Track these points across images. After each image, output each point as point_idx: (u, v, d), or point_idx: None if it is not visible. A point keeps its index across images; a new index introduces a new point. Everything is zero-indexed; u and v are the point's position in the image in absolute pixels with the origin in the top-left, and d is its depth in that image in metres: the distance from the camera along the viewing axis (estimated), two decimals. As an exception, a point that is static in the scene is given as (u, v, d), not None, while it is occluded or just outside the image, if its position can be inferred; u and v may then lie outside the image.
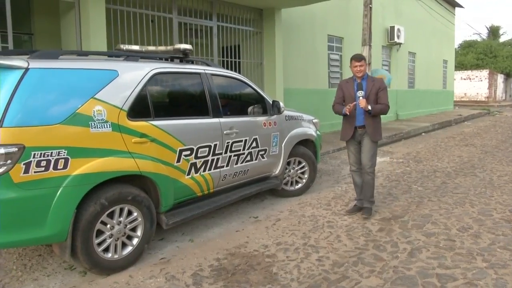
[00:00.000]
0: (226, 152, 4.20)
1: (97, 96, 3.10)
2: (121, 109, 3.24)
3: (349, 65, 4.52)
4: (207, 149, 3.96)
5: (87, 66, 3.17)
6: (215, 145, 4.05)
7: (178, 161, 3.69)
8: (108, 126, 3.13)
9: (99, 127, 3.07)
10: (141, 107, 3.42)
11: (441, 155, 8.76)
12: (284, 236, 4.18)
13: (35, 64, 2.88)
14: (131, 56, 3.56)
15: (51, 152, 2.82)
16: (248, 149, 4.50)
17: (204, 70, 4.11)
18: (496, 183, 6.10)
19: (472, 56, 34.14)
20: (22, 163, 2.71)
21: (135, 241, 3.45)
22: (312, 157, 5.57)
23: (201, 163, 3.93)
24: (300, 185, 5.61)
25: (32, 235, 2.83)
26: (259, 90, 4.80)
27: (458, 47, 36.07)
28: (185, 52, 3.95)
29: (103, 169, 3.07)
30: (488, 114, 21.34)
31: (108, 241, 3.25)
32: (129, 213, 3.37)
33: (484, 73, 29.92)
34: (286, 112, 5.08)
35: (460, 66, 32.63)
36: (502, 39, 39.71)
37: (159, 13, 6.77)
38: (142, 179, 3.47)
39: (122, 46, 4.21)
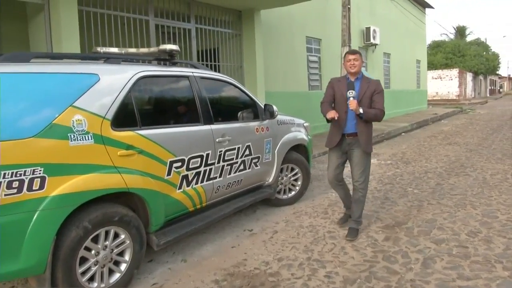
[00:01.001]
0: (219, 162, 3.84)
1: (76, 103, 2.69)
2: (104, 118, 2.83)
3: (343, 62, 4.05)
4: (199, 159, 3.60)
5: (63, 70, 2.76)
6: (207, 155, 3.69)
7: (169, 174, 3.31)
8: (90, 138, 2.73)
9: (80, 140, 2.67)
10: (126, 115, 3.03)
11: (428, 155, 8.66)
12: (284, 251, 3.85)
13: (2, 68, 2.46)
14: (112, 58, 3.15)
15: (25, 171, 2.40)
16: (241, 157, 4.16)
17: (192, 73, 3.75)
18: (491, 182, 5.99)
19: (441, 55, 34.96)
20: (-11, 185, 2.28)
21: (123, 266, 3.05)
22: (305, 163, 5.28)
23: (193, 175, 3.57)
24: (293, 193, 5.30)
25: (4, 269, 2.39)
26: (249, 94, 4.47)
27: (427, 47, 36.88)
28: (171, 54, 3.57)
29: (86, 188, 2.66)
30: (461, 112, 21.76)
31: (93, 269, 2.83)
32: (116, 235, 2.97)
33: (454, 72, 30.64)
34: (278, 117, 4.77)
35: (430, 66, 33.34)
36: (468, 38, 41.04)
37: (135, 15, 6.35)
38: (129, 196, 3.08)
39: (99, 49, 3.79)
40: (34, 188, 2.44)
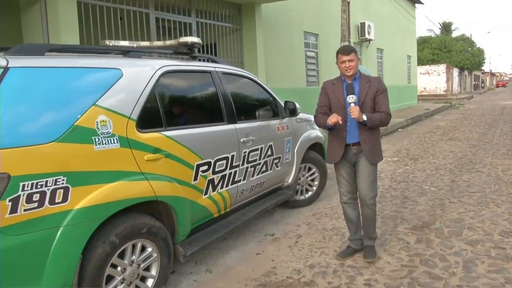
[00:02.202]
0: (243, 164, 3.57)
1: (100, 102, 2.38)
2: (129, 118, 2.53)
3: (335, 61, 3.24)
4: (224, 161, 3.31)
5: (83, 63, 2.44)
6: (232, 156, 3.41)
7: (196, 178, 3.02)
8: (116, 141, 2.42)
9: (105, 143, 2.36)
10: (151, 115, 2.73)
11: (432, 151, 8.53)
12: (314, 257, 3.61)
13: (16, 62, 2.13)
14: (132, 52, 2.83)
15: (46, 181, 2.08)
16: (263, 158, 3.89)
17: (214, 68, 3.45)
18: (506, 179, 5.86)
19: (428, 51, 35.21)
20: (8, 199, 1.95)
21: (150, 282, 2.75)
22: (322, 162, 5.04)
23: (218, 178, 3.28)
24: (310, 193, 5.06)
25: (24, 294, 2.08)
26: (270, 90, 4.20)
27: (415, 43, 37.17)
28: (192, 47, 3.27)
29: (113, 198, 2.35)
30: (451, 107, 21.87)
31: (120, 287, 2.53)
32: (142, 249, 2.67)
33: (442, 67, 30.88)
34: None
35: (418, 61, 33.57)
36: (454, 34, 41.46)
37: (135, 8, 5.99)
38: (154, 204, 2.78)
39: (107, 42, 3.47)
40: (57, 200, 2.12)
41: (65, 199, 2.15)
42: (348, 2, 10.18)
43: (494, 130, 11.28)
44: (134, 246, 2.60)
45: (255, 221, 4.53)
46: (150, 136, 2.66)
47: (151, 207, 2.81)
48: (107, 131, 2.37)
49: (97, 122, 2.34)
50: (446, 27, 42.18)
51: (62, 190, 2.14)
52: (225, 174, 3.35)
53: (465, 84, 42.16)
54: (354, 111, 3.07)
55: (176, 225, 2.88)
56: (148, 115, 2.68)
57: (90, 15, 5.30)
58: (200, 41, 3.25)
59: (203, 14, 7.43)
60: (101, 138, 2.34)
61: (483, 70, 58.62)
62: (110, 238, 2.38)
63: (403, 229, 4.14)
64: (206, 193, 3.17)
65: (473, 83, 49.85)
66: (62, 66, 2.31)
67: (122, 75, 2.56)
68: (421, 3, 21.48)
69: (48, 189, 2.09)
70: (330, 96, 3.30)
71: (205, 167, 3.10)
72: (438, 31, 41.15)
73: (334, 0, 12.42)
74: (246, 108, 3.93)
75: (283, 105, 4.29)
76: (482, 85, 62.53)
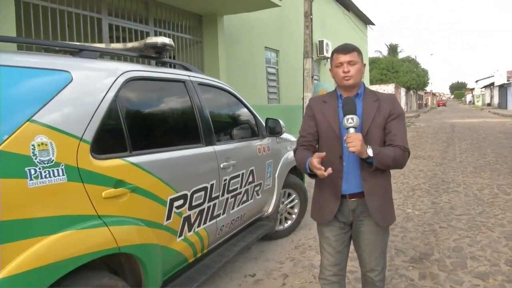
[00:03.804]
0: (223, 194, 2.91)
1: (38, 117, 1.66)
2: (80, 139, 1.82)
3: (329, 67, 2.23)
4: (202, 193, 2.65)
5: (15, 61, 1.72)
6: (212, 186, 2.75)
7: (169, 217, 2.33)
8: (61, 173, 1.70)
9: (45, 177, 1.63)
10: (112, 136, 2.03)
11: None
12: (308, 304, 3.00)
13: None
14: (86, 51, 2.12)
15: None
16: (245, 185, 3.26)
17: (189, 76, 2.80)
18: (485, 199, 5.66)
19: (376, 71, 36.41)
20: None
21: None
22: (303, 187, 4.49)
23: (195, 215, 2.61)
24: (290, 222, 4.47)
25: None
26: (249, 105, 3.61)
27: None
28: (161, 50, 2.62)
29: (57, 258, 1.62)
30: (403, 125, 22.34)
31: None
32: (98, 318, 1.93)
33: (391, 87, 31.90)
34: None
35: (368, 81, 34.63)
36: (400, 55, 43.36)
37: (85, 11, 5.22)
38: (116, 256, 2.05)
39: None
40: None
41: (-20, 264, 1.41)
42: (311, 18, 9.92)
43: (453, 148, 11.37)
44: (86, 319, 1.85)
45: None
46: (110, 164, 1.95)
47: (111, 259, 2.08)
48: (48, 158, 1.66)
49: (33, 145, 1.61)
50: (393, 49, 44.13)
51: (-25, 251, 1.40)
52: (203, 209, 2.68)
53: (411, 103, 44.01)
54: (354, 140, 1.90)
55: (144, 281, 2.16)
56: (108, 135, 1.98)
57: (31, 16, 4.48)
58: (173, 43, 2.60)
59: (161, 23, 6.77)
60: (39, 169, 1.62)
61: (426, 90, 61.83)
62: (52, 313, 1.63)
63: (401, 262, 3.65)
64: (180, 235, 2.48)
65: (418, 102, 52.26)
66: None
67: (72, 80, 1.85)
68: (373, 24, 22.05)
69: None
70: (318, 120, 2.19)
71: (180, 202, 2.42)
72: (385, 53, 43.01)
73: (294, 16, 12.21)
74: (225, 126, 3.30)
75: (263, 122, 3.70)
76: (425, 104, 65.86)
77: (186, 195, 2.47)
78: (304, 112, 2.23)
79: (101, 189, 1.87)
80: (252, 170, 3.37)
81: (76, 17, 5.08)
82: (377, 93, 2.23)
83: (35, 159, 1.61)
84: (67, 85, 1.81)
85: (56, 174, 1.67)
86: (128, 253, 1.99)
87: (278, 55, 11.89)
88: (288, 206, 4.43)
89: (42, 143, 1.64)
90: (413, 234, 4.34)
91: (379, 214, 2.13)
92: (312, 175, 2.04)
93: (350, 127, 1.94)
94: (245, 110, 3.55)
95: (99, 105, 1.94)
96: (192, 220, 2.58)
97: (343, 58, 2.09)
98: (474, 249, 3.86)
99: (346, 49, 2.12)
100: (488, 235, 4.24)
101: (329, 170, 1.90)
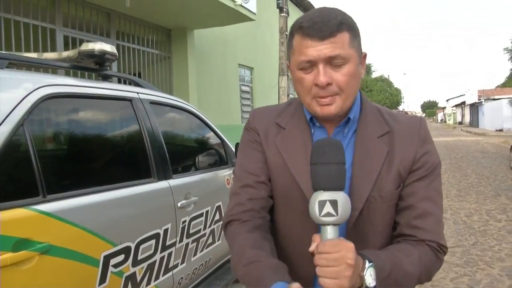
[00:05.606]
0: (181, 240, 2.34)
1: None
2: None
3: (289, 74, 1.33)
4: (153, 241, 2.07)
5: None
6: (166, 232, 2.18)
7: (103, 280, 1.74)
8: None
9: None
10: (16, 175, 1.45)
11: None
12: None
13: None
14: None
15: None
16: (210, 225, 2.70)
17: (137, 93, 2.25)
18: (476, 227, 5.29)
19: (351, 91, 36.75)
20: None
21: None
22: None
23: (143, 270, 2.02)
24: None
25: None
26: (215, 128, 3.07)
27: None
28: (101, 61, 2.07)
29: None
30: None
31: None
32: None
33: (365, 106, 32.16)
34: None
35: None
36: (373, 75, 44.05)
37: (36, 21, 4.60)
38: None
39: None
40: None
41: None
42: (287, 35, 9.55)
43: (432, 168, 11.15)
44: None
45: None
46: (10, 217, 1.37)
47: None
48: None
49: None
50: (367, 69, 44.72)
51: None
52: (154, 261, 2.10)
53: (385, 122, 44.49)
54: (332, 261, 0.80)
55: None
56: (10, 174, 1.40)
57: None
58: (115, 51, 2.06)
59: (125, 36, 6.21)
60: None
61: (399, 109, 63.04)
62: None
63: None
64: (121, 300, 1.89)
65: (391, 121, 52.90)
66: None
67: None
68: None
69: None
70: (271, 164, 1.09)
71: (120, 258, 1.84)
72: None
73: (269, 32, 11.89)
74: (184, 154, 2.74)
75: (233, 148, 3.17)
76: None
77: (128, 247, 1.89)
78: (242, 136, 1.19)
79: (-9, 255, 1.28)
80: (219, 206, 2.81)
81: (25, 27, 4.47)
82: (386, 114, 1.08)
83: None
84: None
85: None
86: None
87: (253, 73, 11.47)
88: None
89: None
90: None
91: None
92: None
93: (328, 223, 0.83)
94: (211, 133, 3.01)
95: (-6, 133, 1.37)
96: (139, 278, 1.99)
97: (316, 50, 0.93)
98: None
99: (323, 28, 0.92)
100: (488, 272, 3.80)
101: None
